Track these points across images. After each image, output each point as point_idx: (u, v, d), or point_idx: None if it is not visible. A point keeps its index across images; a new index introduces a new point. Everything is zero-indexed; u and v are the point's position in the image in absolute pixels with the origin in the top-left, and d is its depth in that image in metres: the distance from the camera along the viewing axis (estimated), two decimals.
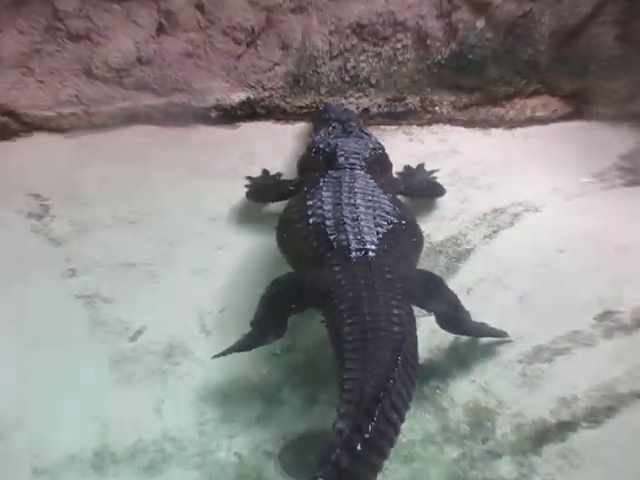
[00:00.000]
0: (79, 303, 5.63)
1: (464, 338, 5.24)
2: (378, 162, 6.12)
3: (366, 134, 6.44)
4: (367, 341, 4.37)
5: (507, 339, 5.24)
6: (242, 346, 5.13)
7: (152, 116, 7.17)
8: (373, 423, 3.98)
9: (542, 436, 4.77)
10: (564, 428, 4.79)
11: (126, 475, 4.64)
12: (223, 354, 5.13)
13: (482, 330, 5.21)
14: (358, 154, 6.01)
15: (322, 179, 5.66)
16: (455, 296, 5.06)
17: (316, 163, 6.06)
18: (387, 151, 6.38)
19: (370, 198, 5.39)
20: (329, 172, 5.78)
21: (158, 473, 4.65)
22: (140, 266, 5.94)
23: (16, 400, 4.99)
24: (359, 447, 3.91)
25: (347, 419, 3.99)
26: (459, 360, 5.22)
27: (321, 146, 6.19)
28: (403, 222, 5.34)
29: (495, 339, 5.30)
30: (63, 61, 7.02)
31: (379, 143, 6.37)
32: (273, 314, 5.06)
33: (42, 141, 7.05)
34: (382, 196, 5.48)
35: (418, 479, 4.58)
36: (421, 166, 6.63)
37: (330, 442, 3.95)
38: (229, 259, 6.03)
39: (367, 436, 3.94)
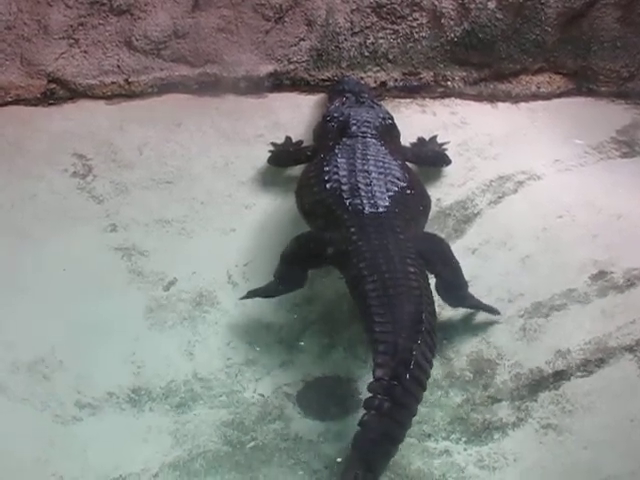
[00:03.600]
0: (118, 255, 5.68)
1: None
2: (387, 131, 6.05)
3: (377, 104, 6.37)
4: (390, 297, 4.42)
5: (497, 317, 5.19)
6: (265, 293, 5.20)
7: (187, 85, 7.14)
8: (410, 371, 4.03)
9: (538, 384, 4.82)
10: (558, 377, 4.84)
11: (160, 411, 4.72)
12: (247, 297, 5.21)
13: (476, 303, 5.17)
14: (369, 123, 5.93)
15: (337, 146, 5.63)
16: (458, 263, 5.04)
17: (331, 131, 6.00)
18: (401, 121, 6.35)
19: (381, 164, 5.37)
20: (343, 140, 5.73)
21: (189, 410, 4.73)
22: (174, 223, 5.96)
23: (60, 343, 5.07)
24: (399, 393, 3.97)
25: (385, 368, 4.06)
26: (464, 314, 5.24)
27: (335, 115, 6.12)
28: (412, 187, 5.33)
29: (498, 296, 5.32)
30: (106, 33, 6.97)
31: (388, 113, 6.29)
32: (293, 268, 5.11)
33: (85, 107, 7.01)
34: (392, 162, 5.45)
35: (425, 421, 4.63)
36: (433, 138, 6.57)
37: (371, 390, 4.02)
38: (254, 218, 6.05)
39: (405, 383, 4.00)
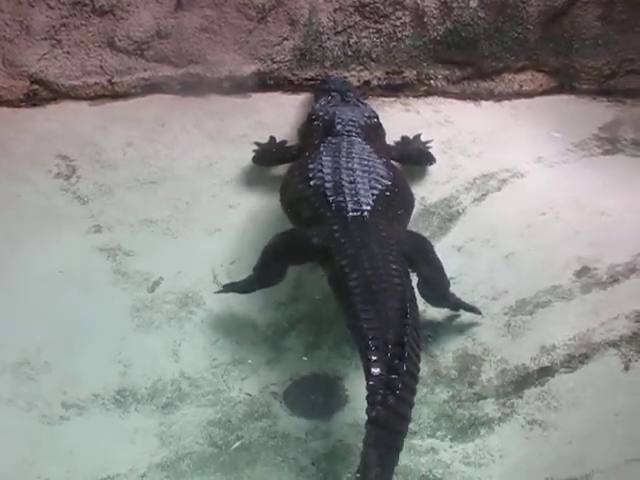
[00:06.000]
0: (103, 256, 5.67)
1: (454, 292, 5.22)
2: (373, 129, 6.08)
3: (362, 103, 6.40)
4: (374, 293, 4.43)
5: (478, 317, 5.19)
6: (242, 288, 5.22)
7: (170, 86, 7.13)
8: (405, 365, 4.02)
9: (523, 380, 4.84)
10: (543, 373, 4.85)
11: (146, 411, 4.71)
12: (223, 291, 5.25)
13: (458, 303, 5.18)
14: (354, 122, 5.95)
15: (322, 145, 5.65)
16: (441, 262, 5.05)
17: (316, 130, 6.01)
18: (385, 120, 6.38)
19: (366, 163, 5.38)
20: (328, 138, 5.75)
21: (175, 410, 4.73)
22: (159, 223, 5.95)
23: (45, 344, 5.05)
24: (399, 387, 3.97)
25: (380, 364, 4.05)
26: (449, 312, 5.24)
27: (320, 114, 6.14)
28: (396, 185, 5.34)
29: (482, 293, 5.34)
30: (89, 34, 6.95)
31: (374, 112, 6.32)
32: (273, 264, 5.12)
33: (69, 108, 7.00)
34: (377, 161, 5.47)
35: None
36: (417, 136, 6.59)
37: (372, 387, 3.99)
38: (239, 218, 6.05)
39: (403, 376, 3.99)
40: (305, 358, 5.05)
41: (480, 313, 5.18)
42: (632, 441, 4.44)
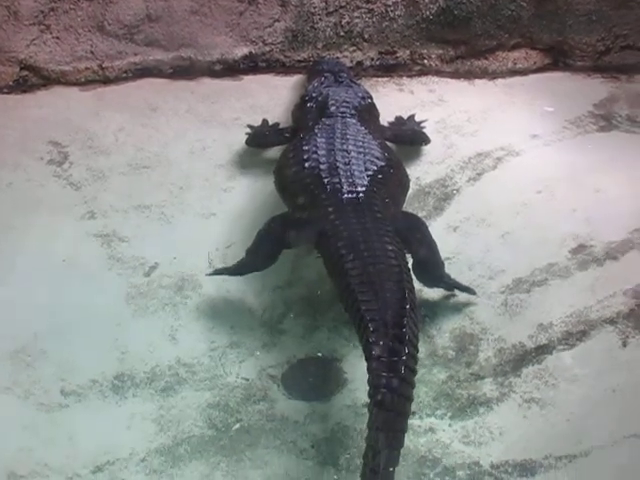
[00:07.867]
0: (98, 242, 5.67)
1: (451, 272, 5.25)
2: (367, 110, 6.08)
3: (355, 84, 6.41)
4: (370, 274, 4.43)
5: (478, 294, 5.21)
6: (234, 271, 5.24)
7: (161, 70, 7.16)
8: (406, 346, 4.04)
9: (521, 359, 4.86)
10: (541, 351, 4.88)
11: (145, 396, 4.73)
12: (215, 274, 5.27)
13: (453, 283, 5.19)
14: (348, 103, 5.96)
15: (316, 126, 5.65)
16: (435, 243, 5.06)
17: (309, 111, 6.02)
18: (379, 100, 6.39)
19: (361, 144, 5.38)
20: (322, 120, 5.76)
21: (174, 394, 4.74)
22: (153, 208, 5.96)
23: (41, 331, 5.06)
24: (402, 369, 3.98)
25: (381, 346, 4.05)
26: (446, 292, 5.25)
27: (314, 95, 6.15)
28: (391, 166, 5.36)
29: (479, 273, 5.38)
30: (78, 18, 6.95)
31: (367, 92, 6.32)
32: (267, 247, 5.11)
33: (59, 93, 7.01)
34: (372, 142, 5.47)
35: None
36: (411, 117, 6.62)
37: (374, 369, 3.99)
38: (234, 201, 6.06)
39: (404, 358, 4.01)
40: (320, 354, 5.03)
41: (475, 293, 5.20)
42: (630, 417, 4.49)
